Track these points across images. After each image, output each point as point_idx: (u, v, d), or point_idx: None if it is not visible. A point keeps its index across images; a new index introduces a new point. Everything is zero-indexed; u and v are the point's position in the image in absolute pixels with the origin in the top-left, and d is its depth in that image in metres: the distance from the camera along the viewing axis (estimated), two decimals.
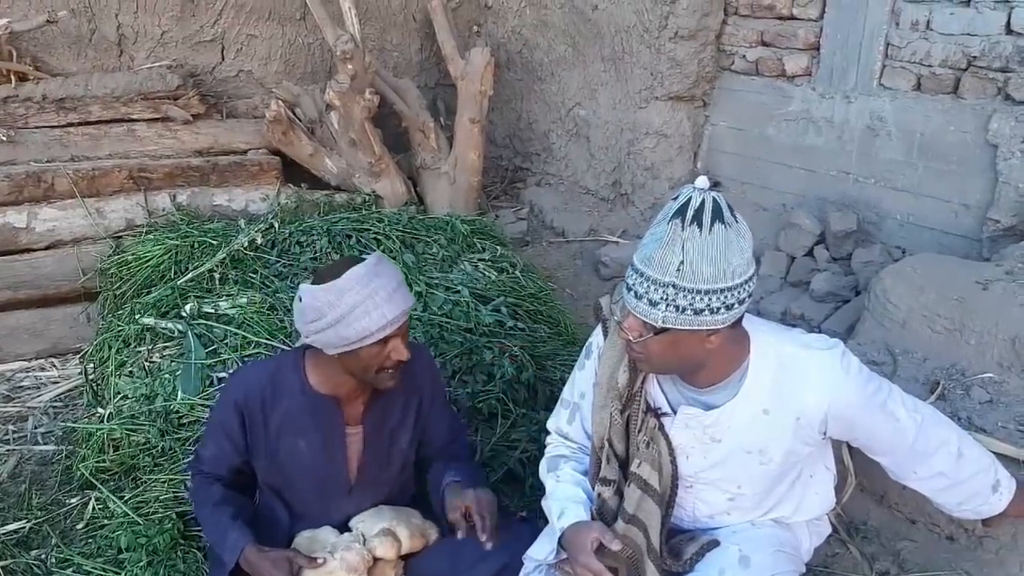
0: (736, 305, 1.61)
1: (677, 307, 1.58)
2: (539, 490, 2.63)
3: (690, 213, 1.56)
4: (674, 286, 1.56)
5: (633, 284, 1.62)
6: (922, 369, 2.83)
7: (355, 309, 1.86)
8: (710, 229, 1.56)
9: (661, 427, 1.85)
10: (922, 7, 3.59)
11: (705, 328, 1.61)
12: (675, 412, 1.85)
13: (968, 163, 3.51)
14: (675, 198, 1.61)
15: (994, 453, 2.37)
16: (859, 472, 2.33)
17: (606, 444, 1.91)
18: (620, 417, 1.88)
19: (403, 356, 1.95)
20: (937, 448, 1.88)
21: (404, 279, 2.01)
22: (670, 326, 1.60)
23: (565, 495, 1.97)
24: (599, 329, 1.97)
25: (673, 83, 4.47)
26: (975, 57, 3.45)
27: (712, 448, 1.84)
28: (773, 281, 3.93)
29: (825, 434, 1.83)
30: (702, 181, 1.60)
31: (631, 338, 1.68)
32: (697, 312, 1.58)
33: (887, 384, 1.87)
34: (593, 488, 2.00)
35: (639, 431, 1.87)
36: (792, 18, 4.11)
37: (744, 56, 4.37)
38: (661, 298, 1.58)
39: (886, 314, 3.01)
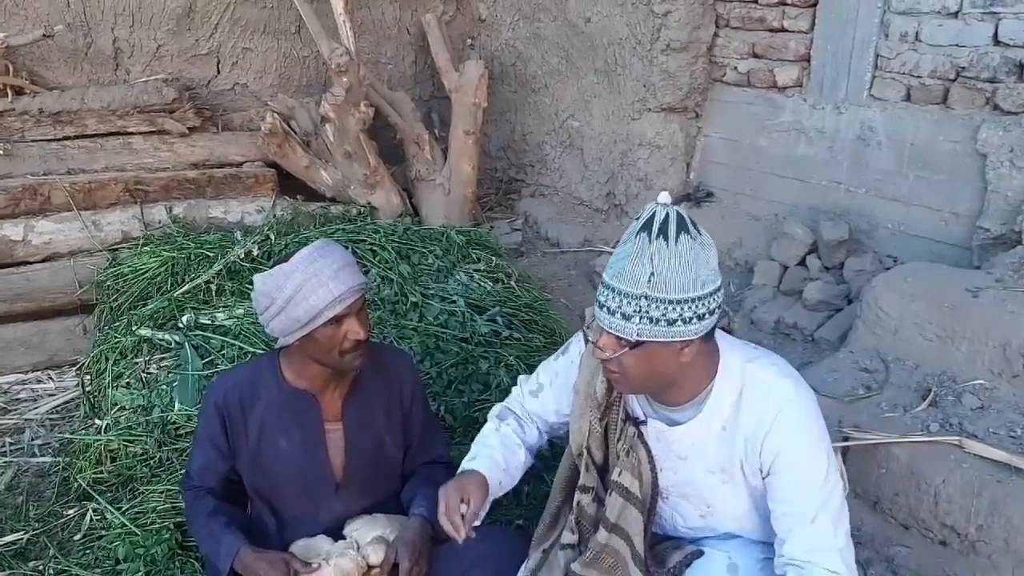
0: (707, 315, 1.62)
1: (651, 319, 1.58)
2: (535, 499, 2.66)
3: (655, 227, 1.59)
4: (646, 297, 1.57)
5: (605, 300, 1.63)
6: (914, 376, 2.86)
7: (302, 288, 1.89)
8: (676, 240, 1.58)
9: (640, 435, 1.86)
10: (911, 19, 3.63)
11: (679, 340, 1.62)
12: (648, 420, 1.87)
13: (958, 172, 3.55)
14: (639, 216, 1.63)
15: (985, 459, 2.42)
16: (852, 478, 2.35)
17: (584, 452, 1.93)
18: (599, 425, 1.90)
19: (360, 335, 1.96)
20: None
21: (353, 260, 2.02)
22: (645, 339, 1.61)
23: (487, 445, 2.03)
24: (581, 335, 1.98)
25: (666, 95, 4.51)
26: (963, 68, 3.49)
27: (680, 465, 1.85)
28: (766, 290, 3.96)
29: (762, 471, 1.77)
30: (664, 197, 1.63)
31: (606, 356, 1.68)
32: (670, 323, 1.59)
33: (835, 482, 1.74)
34: (566, 492, 2.04)
35: (618, 440, 1.88)
36: (783, 30, 4.15)
37: (736, 68, 4.41)
38: (634, 311, 1.59)
39: (878, 322, 3.03)
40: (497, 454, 2.00)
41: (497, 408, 2.16)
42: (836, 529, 1.70)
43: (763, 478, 1.78)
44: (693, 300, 1.59)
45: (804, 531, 1.70)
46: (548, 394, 2.07)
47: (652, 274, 1.57)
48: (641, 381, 1.73)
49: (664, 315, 1.58)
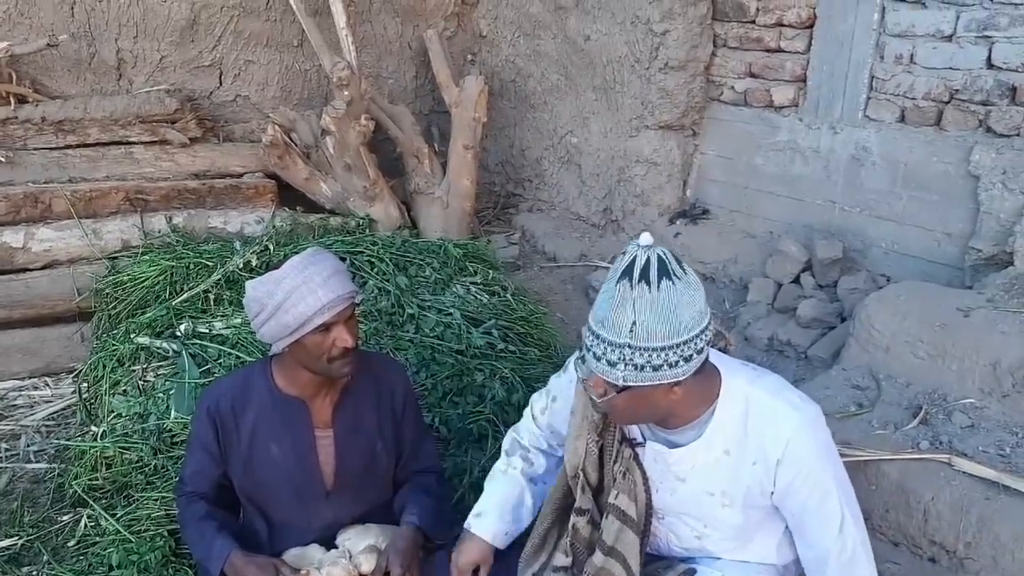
0: (694, 355, 1.61)
1: (636, 366, 1.58)
2: None
3: (636, 272, 1.57)
4: (629, 347, 1.57)
5: (591, 345, 1.63)
6: (905, 394, 2.88)
7: (291, 295, 1.92)
8: (658, 286, 1.55)
9: (636, 456, 1.86)
10: (906, 41, 3.68)
11: (666, 382, 1.62)
12: (646, 441, 1.88)
13: (950, 193, 3.58)
14: (623, 254, 1.61)
15: (974, 476, 2.44)
16: None
17: (580, 473, 1.92)
18: (595, 447, 1.90)
19: (348, 343, 1.98)
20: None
21: (344, 269, 2.05)
22: (631, 384, 1.61)
23: (496, 498, 2.09)
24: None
25: (663, 113, 4.54)
26: (957, 90, 3.53)
27: (678, 486, 1.85)
28: (760, 307, 3.98)
29: (773, 494, 1.79)
30: (646, 238, 1.60)
31: (595, 397, 1.69)
32: (656, 368, 1.59)
33: (846, 485, 1.80)
34: (556, 515, 2.05)
35: (614, 461, 1.88)
36: (780, 50, 4.20)
37: (733, 87, 4.45)
38: (619, 358, 1.58)
39: (870, 340, 3.06)
40: (507, 513, 2.07)
41: (508, 439, 2.20)
42: (857, 525, 1.78)
43: (775, 501, 1.80)
44: (677, 345, 1.58)
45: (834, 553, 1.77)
46: (555, 408, 2.09)
47: (634, 323, 1.56)
48: (635, 417, 1.76)
49: (649, 362, 1.58)
